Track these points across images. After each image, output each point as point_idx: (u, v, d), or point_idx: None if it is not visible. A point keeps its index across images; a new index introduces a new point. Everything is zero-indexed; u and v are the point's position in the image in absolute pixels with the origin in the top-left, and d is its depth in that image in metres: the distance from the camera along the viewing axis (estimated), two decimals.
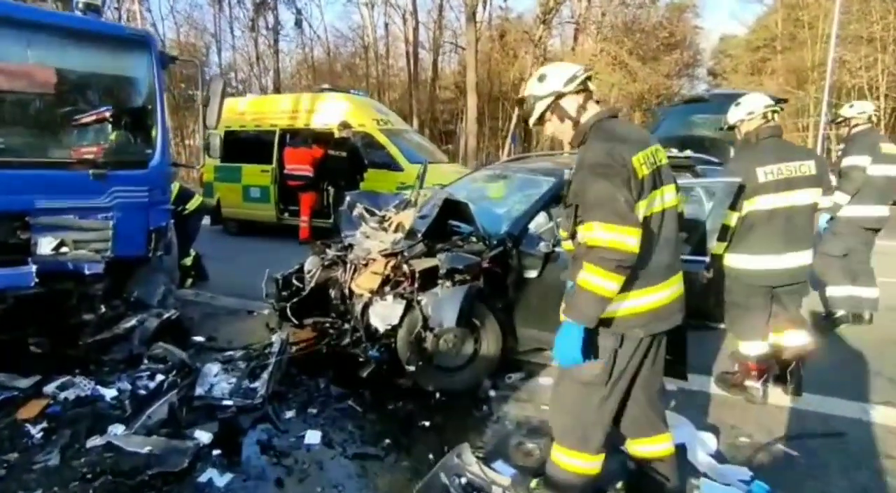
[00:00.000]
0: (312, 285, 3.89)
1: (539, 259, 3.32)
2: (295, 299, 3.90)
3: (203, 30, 29.36)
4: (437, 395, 3.22)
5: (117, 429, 2.76)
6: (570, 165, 2.58)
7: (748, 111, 3.14)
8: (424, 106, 25.34)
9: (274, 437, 2.80)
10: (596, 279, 1.73)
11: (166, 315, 4.01)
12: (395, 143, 8.88)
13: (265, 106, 10.27)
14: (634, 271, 1.81)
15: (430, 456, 2.63)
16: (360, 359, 3.31)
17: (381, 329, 3.24)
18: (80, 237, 3.64)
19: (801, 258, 3.02)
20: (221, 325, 4.56)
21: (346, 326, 3.60)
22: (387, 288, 3.31)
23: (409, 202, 4.23)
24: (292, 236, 8.64)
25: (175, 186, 5.24)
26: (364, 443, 2.78)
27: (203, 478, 2.44)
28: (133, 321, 3.90)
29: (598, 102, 2.02)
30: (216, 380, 3.23)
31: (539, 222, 3.58)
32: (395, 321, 3.20)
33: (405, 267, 3.29)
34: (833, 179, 3.93)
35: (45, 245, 3.49)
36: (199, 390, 3.13)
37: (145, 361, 3.55)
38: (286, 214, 9.35)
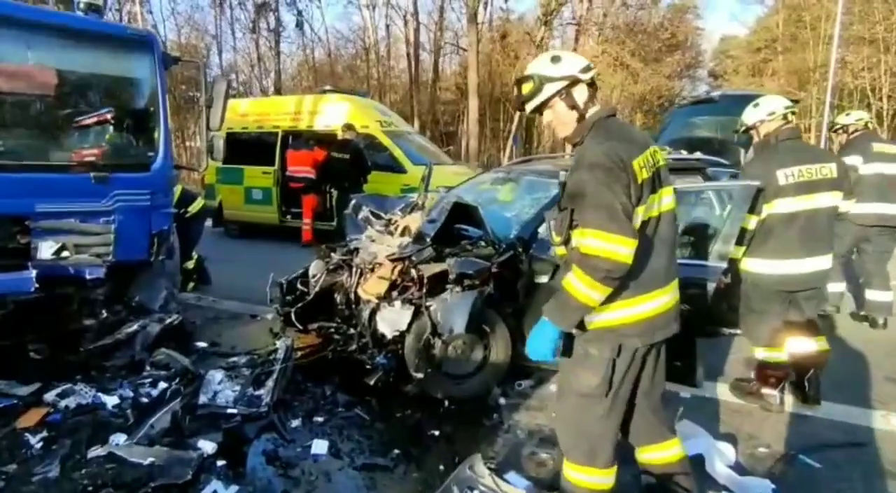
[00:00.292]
0: (317, 289, 3.82)
1: (550, 264, 3.25)
2: (300, 304, 3.84)
3: (204, 31, 29.38)
4: (446, 403, 3.16)
5: (119, 439, 2.69)
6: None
7: (769, 112, 3.07)
8: (425, 107, 25.29)
9: (280, 447, 2.73)
10: (581, 287, 1.67)
11: (169, 320, 3.95)
12: (398, 144, 8.82)
13: (267, 107, 10.22)
14: (631, 279, 1.75)
15: (441, 467, 2.57)
16: (367, 366, 3.24)
17: (389, 335, 3.17)
18: (81, 241, 3.58)
19: (821, 263, 2.95)
20: (224, 330, 4.50)
21: (352, 331, 3.54)
22: (394, 293, 3.25)
23: (415, 205, 4.16)
24: (294, 239, 8.58)
25: (177, 189, 5.17)
26: (372, 453, 2.71)
27: (207, 490, 2.36)
28: (135, 327, 3.83)
29: None
30: (220, 387, 3.15)
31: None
32: (403, 327, 3.13)
33: (413, 272, 3.22)
34: None
35: (46, 249, 3.43)
36: (202, 398, 3.05)
37: (147, 367, 3.48)
38: (288, 217, 9.29)
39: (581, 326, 1.82)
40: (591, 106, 1.86)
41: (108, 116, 3.80)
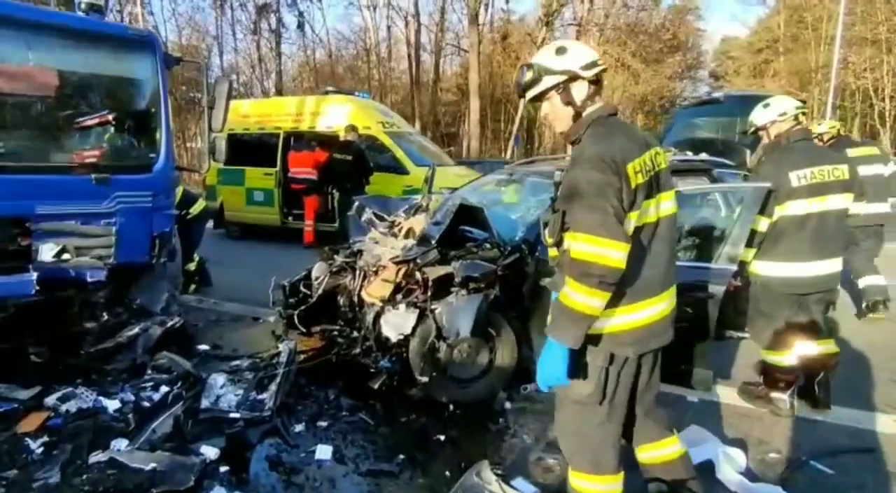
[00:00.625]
0: (320, 292, 3.79)
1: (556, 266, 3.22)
2: (302, 307, 3.80)
3: (205, 32, 29.39)
4: (451, 407, 3.12)
5: (120, 444, 2.66)
6: None
7: (780, 112, 3.03)
8: (426, 108, 25.30)
9: (283, 452, 2.70)
10: (579, 297, 1.60)
11: (170, 323, 3.91)
12: (400, 146, 8.80)
13: (269, 108, 10.20)
14: (625, 285, 1.70)
15: (447, 473, 2.53)
16: (371, 369, 3.20)
17: (393, 339, 3.14)
18: (82, 243, 3.55)
19: (832, 266, 2.91)
20: (226, 332, 4.47)
21: (356, 334, 3.50)
22: (399, 296, 3.21)
23: (419, 207, 4.12)
24: (296, 240, 8.55)
25: (178, 190, 5.14)
26: (377, 459, 2.67)
27: None
28: (136, 329, 3.80)
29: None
30: (222, 391, 3.12)
31: None
32: (408, 331, 3.09)
33: (418, 275, 3.19)
34: None
35: (47, 252, 3.40)
36: (205, 403, 3.02)
37: (149, 371, 3.45)
38: (290, 218, 9.27)
39: None
40: (590, 104, 1.80)
41: (110, 117, 3.78)
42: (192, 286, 5.73)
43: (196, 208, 5.68)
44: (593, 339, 1.76)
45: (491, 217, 3.46)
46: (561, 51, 1.79)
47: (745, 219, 2.84)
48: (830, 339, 3.15)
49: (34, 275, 3.24)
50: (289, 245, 8.47)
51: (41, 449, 2.63)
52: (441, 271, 3.16)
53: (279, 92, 25.41)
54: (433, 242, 3.33)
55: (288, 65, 29.64)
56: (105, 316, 3.83)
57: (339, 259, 3.89)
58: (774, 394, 3.07)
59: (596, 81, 1.80)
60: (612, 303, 1.70)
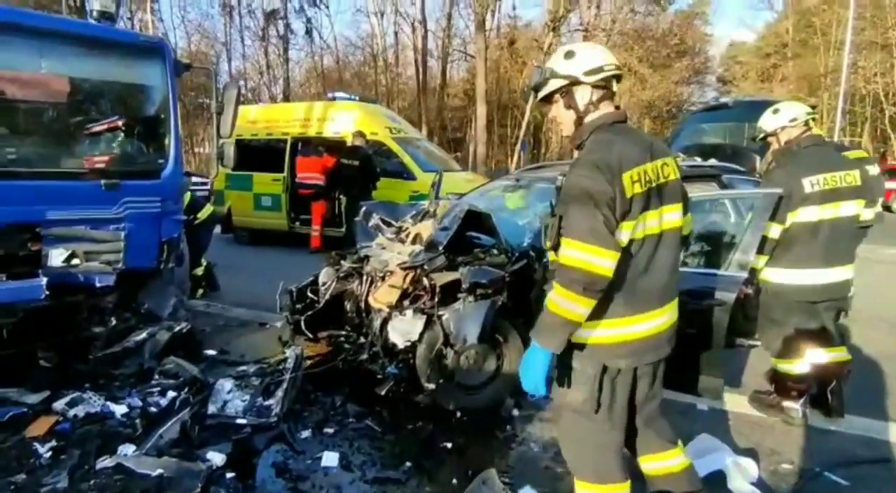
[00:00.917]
0: (327, 297, 3.78)
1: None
2: (309, 312, 3.80)
3: (214, 39, 29.71)
4: (459, 414, 3.10)
5: (128, 449, 2.66)
6: None
7: (791, 118, 3.00)
8: (433, 114, 25.37)
9: (290, 459, 2.69)
10: (563, 302, 1.61)
11: (177, 328, 3.91)
12: (407, 151, 8.81)
13: (277, 114, 10.26)
14: (620, 297, 1.70)
15: (454, 481, 2.52)
16: (378, 376, 3.19)
17: (400, 345, 3.12)
18: (91, 249, 3.56)
19: (844, 273, 2.88)
20: (234, 337, 4.47)
21: (363, 340, 3.49)
22: (406, 302, 3.20)
23: (426, 212, 4.12)
24: (303, 245, 8.58)
25: (186, 196, 5.17)
26: (384, 466, 2.65)
27: None
28: (144, 334, 3.80)
29: (617, 107, 1.86)
30: (229, 397, 3.12)
31: None
32: (415, 337, 3.08)
33: (425, 280, 3.17)
34: None
35: (56, 257, 3.42)
36: (211, 408, 3.02)
37: (156, 376, 3.45)
38: (297, 223, 9.30)
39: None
40: (593, 109, 1.78)
41: (119, 123, 3.80)
42: (200, 291, 5.75)
43: (204, 213, 5.71)
44: (583, 347, 1.76)
45: (498, 223, 3.45)
46: (569, 55, 1.79)
47: (755, 226, 2.81)
48: (842, 346, 3.10)
49: (44, 280, 3.26)
50: (296, 250, 8.49)
51: (49, 454, 2.63)
52: (448, 277, 3.15)
53: (287, 98, 25.60)
54: (440, 247, 3.32)
55: (295, 71, 29.90)
56: (113, 321, 3.83)
57: (346, 265, 3.89)
58: (786, 403, 3.03)
59: (604, 87, 1.77)
60: (606, 313, 1.71)
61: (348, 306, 3.75)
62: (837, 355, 3.01)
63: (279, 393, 3.11)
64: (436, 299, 3.11)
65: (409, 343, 3.10)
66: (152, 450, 2.65)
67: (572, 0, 20.88)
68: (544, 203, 3.99)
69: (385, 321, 3.22)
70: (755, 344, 3.25)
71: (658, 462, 1.95)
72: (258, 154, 9.39)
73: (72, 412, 2.99)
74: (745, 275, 2.77)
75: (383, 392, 3.08)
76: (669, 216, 1.76)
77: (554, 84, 1.79)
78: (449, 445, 2.83)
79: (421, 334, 3.08)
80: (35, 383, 3.25)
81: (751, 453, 2.70)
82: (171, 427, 2.83)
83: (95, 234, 3.58)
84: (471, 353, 3.13)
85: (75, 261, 3.49)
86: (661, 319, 1.78)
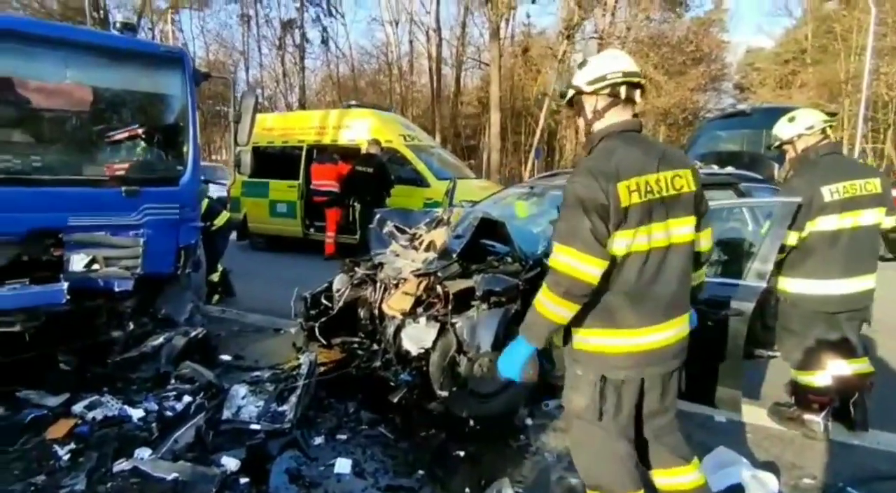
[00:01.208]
0: (341, 304, 3.80)
1: None
2: (323, 319, 3.82)
3: (232, 48, 30.25)
4: (472, 422, 3.08)
5: (144, 453, 2.69)
6: None
7: (807, 126, 2.95)
8: (447, 121, 25.46)
9: (303, 465, 2.69)
10: (547, 303, 1.68)
11: (193, 333, 3.96)
12: (421, 159, 8.86)
13: (292, 122, 10.38)
14: (620, 307, 1.70)
15: (467, 490, 2.50)
16: (391, 383, 3.19)
17: (414, 352, 3.13)
18: (111, 254, 3.63)
19: (865, 283, 2.81)
20: (248, 343, 4.51)
21: (376, 347, 3.50)
22: (419, 309, 3.20)
23: (440, 220, 4.12)
24: (318, 252, 8.64)
25: (203, 202, 5.25)
26: (396, 474, 2.64)
27: None
28: (161, 339, 3.85)
29: (635, 114, 1.85)
30: (244, 402, 3.14)
31: None
32: (428, 344, 3.08)
33: (439, 288, 3.18)
34: None
35: (77, 262, 3.48)
36: (226, 413, 3.04)
37: (172, 380, 3.50)
38: (312, 230, 9.37)
39: (570, 344, 1.83)
40: (599, 118, 1.80)
41: (139, 131, 3.88)
42: (216, 297, 5.81)
43: (220, 220, 5.78)
44: (584, 354, 1.79)
45: (512, 231, 3.44)
46: (581, 65, 1.85)
47: (774, 235, 2.77)
48: (865, 358, 3.03)
49: (65, 285, 3.32)
50: (311, 256, 8.56)
51: (68, 456, 2.67)
52: (462, 284, 3.14)
53: (302, 106, 25.91)
54: (454, 255, 3.32)
55: (311, 79, 30.30)
56: (131, 326, 3.89)
57: (360, 271, 3.90)
58: (807, 416, 2.96)
59: (613, 95, 1.77)
60: (607, 322, 1.73)
61: (362, 312, 3.76)
62: (860, 366, 2.94)
63: (293, 399, 3.12)
64: (449, 307, 3.11)
65: (422, 350, 3.10)
66: (168, 454, 2.68)
67: (587, 8, 20.85)
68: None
69: (398, 328, 3.22)
70: (774, 355, 3.19)
71: (669, 478, 1.92)
72: (274, 161, 9.51)
73: (90, 415, 3.03)
74: (763, 284, 2.73)
75: (396, 399, 3.08)
76: (679, 230, 1.74)
77: (570, 93, 1.86)
78: (462, 453, 2.82)
79: (434, 342, 3.08)
80: (55, 386, 3.31)
81: (770, 466, 2.64)
82: (187, 432, 2.86)
83: (115, 240, 3.64)
84: (484, 361, 3.12)
85: (95, 266, 3.56)
86: (667, 333, 1.76)
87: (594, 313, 1.75)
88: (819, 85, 23.75)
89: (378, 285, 3.65)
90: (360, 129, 9.11)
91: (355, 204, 8.59)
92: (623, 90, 1.77)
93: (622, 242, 1.66)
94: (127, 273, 3.68)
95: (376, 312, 3.59)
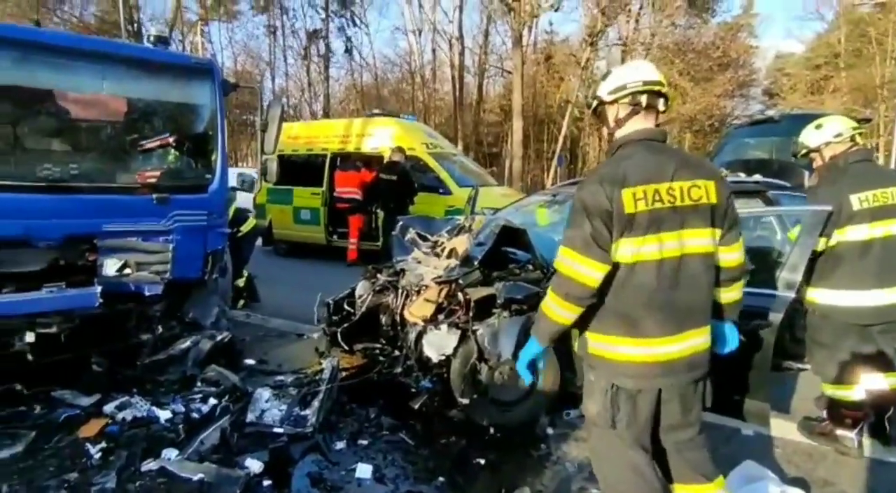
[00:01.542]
0: (363, 310, 3.84)
1: None
2: (345, 324, 3.86)
3: (259, 58, 30.95)
4: (492, 430, 3.07)
5: (171, 453, 2.75)
6: None
7: (835, 133, 2.88)
8: (469, 129, 25.54)
9: (324, 469, 2.72)
10: (551, 304, 1.75)
11: (219, 337, 4.04)
12: (443, 166, 8.90)
13: (317, 130, 10.55)
14: (629, 316, 1.70)
15: None
16: (412, 389, 3.21)
17: (434, 359, 3.14)
18: (142, 259, 3.73)
19: None
20: (272, 348, 4.57)
21: (397, 353, 3.52)
22: (441, 316, 3.22)
23: (462, 227, 4.14)
24: (340, 258, 8.73)
25: (231, 209, 5.35)
26: (417, 480, 2.65)
27: None
28: (188, 343, 3.94)
29: (658, 124, 1.85)
30: (267, 406, 3.19)
31: None
32: (449, 351, 3.09)
33: (460, 295, 3.19)
34: None
35: (110, 267, 3.59)
36: (250, 417, 3.09)
37: (199, 383, 3.57)
38: (335, 237, 9.48)
39: (584, 350, 1.85)
40: (621, 126, 1.82)
41: (170, 140, 3.98)
42: (241, 302, 5.91)
43: (246, 227, 5.90)
44: (595, 359, 1.80)
45: (534, 238, 3.44)
46: (604, 76, 1.90)
47: (803, 244, 2.70)
48: None
49: (98, 288, 3.42)
50: (333, 263, 8.65)
51: (99, 455, 2.75)
52: (483, 292, 3.15)
53: (327, 114, 26.32)
54: (476, 262, 3.33)
55: (335, 88, 30.76)
56: (159, 329, 3.99)
57: (382, 278, 3.94)
58: (840, 431, 2.87)
59: (634, 104, 1.79)
60: (615, 330, 1.74)
61: (384, 319, 3.79)
62: (894, 380, 2.84)
63: (315, 403, 3.16)
64: (470, 314, 3.12)
65: (443, 357, 3.11)
66: (194, 455, 2.74)
67: (610, 15, 20.73)
68: None
69: (420, 335, 3.24)
70: (804, 368, 3.11)
71: None
72: (298, 169, 9.67)
73: (120, 415, 3.13)
74: (792, 295, 2.66)
75: (417, 406, 3.09)
76: (694, 241, 1.71)
77: (594, 102, 1.90)
78: (482, 461, 2.81)
79: (455, 349, 3.09)
80: (88, 387, 3.42)
81: (801, 483, 2.56)
82: (212, 434, 2.92)
83: (146, 245, 3.75)
84: (505, 369, 3.11)
85: (127, 271, 3.66)
86: (678, 345, 1.73)
87: (605, 319, 1.75)
88: (853, 90, 23.10)
89: (400, 291, 3.68)
90: (382, 137, 9.21)
91: (377, 211, 8.67)
92: (644, 99, 1.78)
93: (628, 249, 1.66)
94: (157, 278, 3.78)
95: (398, 318, 3.61)
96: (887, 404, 2.84)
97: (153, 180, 3.85)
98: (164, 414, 3.16)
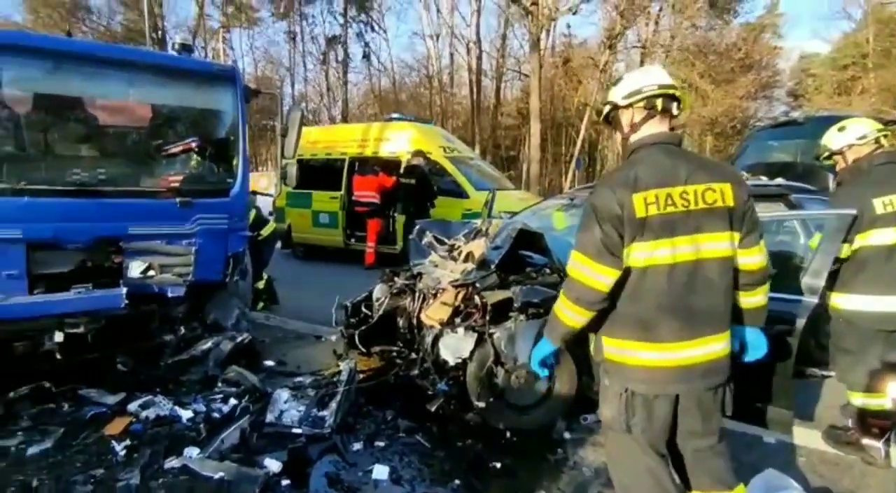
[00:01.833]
0: (381, 313, 3.87)
1: None
2: (363, 327, 3.89)
3: (279, 64, 31.42)
4: (508, 434, 3.07)
5: (193, 452, 2.80)
6: None
7: (859, 135, 2.83)
8: (487, 133, 25.53)
9: (342, 470, 2.74)
10: (562, 307, 1.79)
11: (240, 338, 4.11)
12: (461, 170, 8.93)
13: (335, 135, 10.67)
14: (642, 321, 1.69)
15: None
16: (429, 392, 3.22)
17: (451, 362, 3.14)
18: (165, 262, 3.83)
19: None
20: (291, 349, 4.63)
21: (414, 356, 3.54)
22: (457, 320, 3.23)
23: (479, 231, 4.15)
24: (358, 261, 8.80)
25: (251, 213, 5.45)
26: (433, 482, 2.66)
27: None
28: (209, 344, 4.02)
29: (672, 128, 1.85)
30: (286, 407, 3.23)
31: None
32: (466, 355, 3.09)
33: (477, 299, 3.19)
34: None
35: (135, 269, 3.70)
36: (269, 417, 3.14)
37: (219, 383, 3.63)
38: (353, 240, 9.56)
39: (600, 354, 1.85)
40: (636, 131, 1.81)
41: (193, 145, 4.08)
42: (261, 304, 5.99)
43: (266, 230, 5.99)
44: (609, 364, 1.80)
45: (551, 242, 3.43)
46: (617, 81, 1.91)
47: (826, 248, 2.65)
48: None
49: (124, 290, 3.51)
50: (351, 266, 8.73)
51: (124, 452, 2.82)
52: (500, 295, 3.15)
53: (345, 119, 26.58)
54: (493, 266, 3.33)
55: (354, 93, 31.03)
56: (182, 330, 4.08)
57: (399, 281, 3.97)
58: (866, 440, 2.80)
59: (649, 108, 1.78)
60: (628, 334, 1.73)
61: (401, 322, 3.82)
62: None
63: (333, 405, 3.20)
64: (487, 318, 3.12)
65: (459, 361, 3.11)
66: (215, 454, 2.79)
67: (629, 17, 20.57)
68: None
69: (436, 338, 3.25)
70: (829, 375, 3.04)
71: None
72: (317, 173, 9.78)
73: (144, 414, 3.20)
74: (815, 300, 2.61)
75: (434, 409, 3.09)
76: (710, 245, 1.69)
77: (607, 108, 1.91)
78: (498, 465, 2.80)
79: (472, 352, 3.09)
80: (113, 385, 3.51)
81: None
82: (232, 433, 2.97)
83: (170, 248, 3.84)
84: (522, 372, 3.10)
85: (151, 273, 3.76)
86: (694, 351, 1.71)
87: (619, 323, 1.75)
88: (882, 91, 22.49)
89: (417, 294, 3.70)
90: (400, 141, 9.28)
91: (395, 215, 8.72)
92: (659, 102, 1.78)
93: (640, 253, 1.66)
94: (179, 280, 3.87)
95: (415, 321, 3.63)
96: None
97: (177, 185, 3.96)
98: (186, 413, 3.23)
